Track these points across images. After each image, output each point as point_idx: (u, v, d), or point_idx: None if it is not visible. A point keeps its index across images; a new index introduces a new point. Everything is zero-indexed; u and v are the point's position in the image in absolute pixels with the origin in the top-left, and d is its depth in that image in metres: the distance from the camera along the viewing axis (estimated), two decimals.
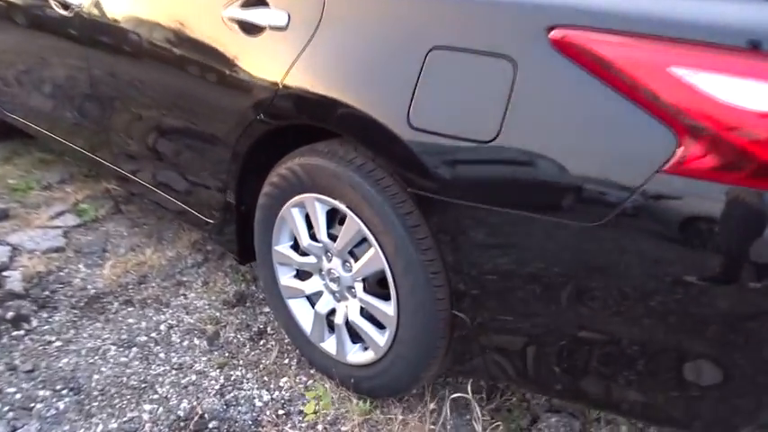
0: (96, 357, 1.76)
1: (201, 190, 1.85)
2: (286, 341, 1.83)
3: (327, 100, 1.33)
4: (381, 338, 1.46)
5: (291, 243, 1.64)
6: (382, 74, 1.27)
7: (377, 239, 1.37)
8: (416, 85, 1.20)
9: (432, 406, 1.52)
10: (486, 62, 1.12)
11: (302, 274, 1.66)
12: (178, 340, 1.85)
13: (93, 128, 2.23)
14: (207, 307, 2.00)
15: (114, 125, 2.10)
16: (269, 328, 1.91)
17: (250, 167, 1.64)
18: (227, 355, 1.79)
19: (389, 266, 1.36)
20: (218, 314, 1.96)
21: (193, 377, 1.70)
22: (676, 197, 0.98)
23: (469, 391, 1.43)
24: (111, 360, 1.75)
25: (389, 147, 1.25)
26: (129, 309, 1.98)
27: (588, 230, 1.05)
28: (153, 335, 1.86)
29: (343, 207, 1.41)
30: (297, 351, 1.77)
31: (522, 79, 1.09)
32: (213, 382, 1.68)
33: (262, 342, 1.85)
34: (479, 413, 1.44)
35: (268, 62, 1.47)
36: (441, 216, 1.23)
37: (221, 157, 1.67)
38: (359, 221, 1.39)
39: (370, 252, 1.40)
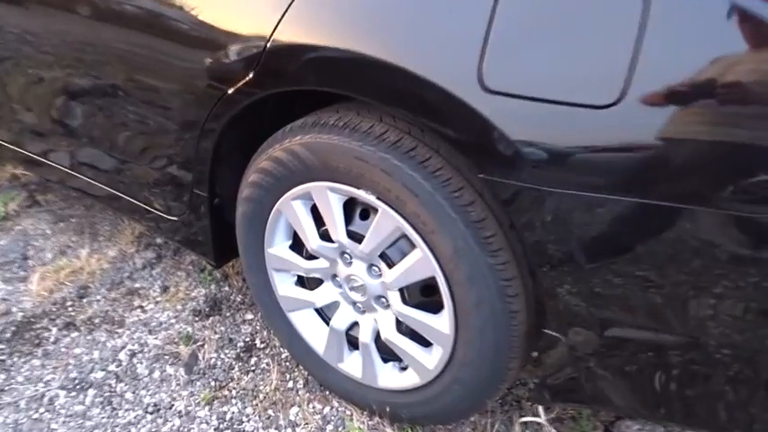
0: (42, 410, 1.35)
1: (151, 178, 1.43)
2: (283, 356, 1.49)
3: (347, 55, 0.96)
4: (430, 360, 1.15)
5: (290, 243, 1.28)
6: (435, 14, 0.90)
7: (425, 240, 1.04)
8: (489, 29, 0.85)
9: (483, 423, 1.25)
10: None
11: (307, 281, 1.31)
12: (146, 371, 1.46)
13: None
14: (174, 321, 1.61)
15: (13, 95, 1.62)
16: (258, 341, 1.56)
17: (223, 150, 1.26)
18: (213, 384, 1.42)
19: (444, 274, 1.04)
20: (189, 329, 1.58)
21: (177, 421, 1.33)
22: None
23: (542, 414, 1.16)
24: (63, 411, 1.35)
25: (450, 118, 0.91)
26: (73, 334, 1.56)
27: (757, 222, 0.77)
28: (111, 368, 1.47)
29: (372, 199, 1.06)
30: (301, 368, 1.44)
31: (657, 15, 0.76)
32: (204, 425, 1.32)
33: (253, 361, 1.49)
34: None
35: (251, 5, 1.07)
36: (528, 209, 0.91)
37: (182, 139, 1.27)
38: (398, 217, 1.05)
39: (415, 255, 1.07)
